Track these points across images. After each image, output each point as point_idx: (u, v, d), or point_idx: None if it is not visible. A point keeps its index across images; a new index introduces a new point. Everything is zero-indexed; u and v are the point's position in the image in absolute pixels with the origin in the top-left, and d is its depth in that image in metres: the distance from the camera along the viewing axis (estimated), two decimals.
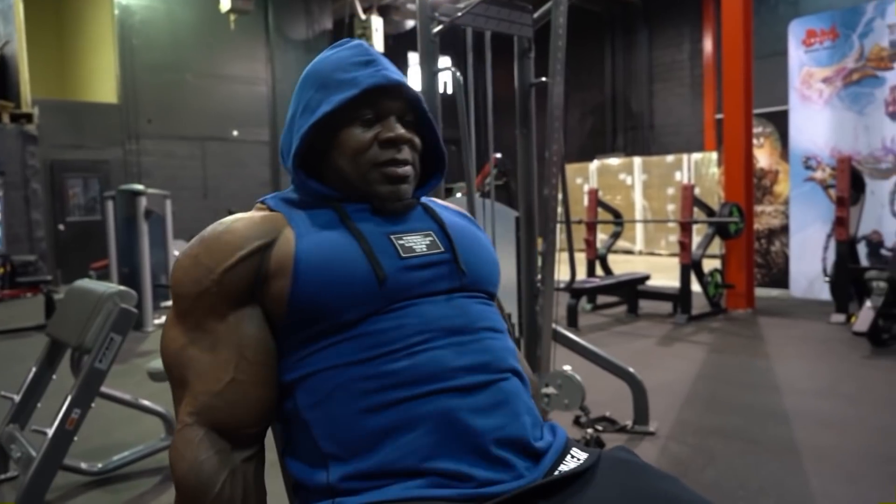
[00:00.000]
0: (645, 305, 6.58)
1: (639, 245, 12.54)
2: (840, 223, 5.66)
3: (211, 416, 0.91)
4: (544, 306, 3.02)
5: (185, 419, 0.92)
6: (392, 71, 1.05)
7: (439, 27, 2.79)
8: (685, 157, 12.01)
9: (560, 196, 3.06)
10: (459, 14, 2.76)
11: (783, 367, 4.35)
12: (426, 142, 1.11)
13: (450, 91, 3.00)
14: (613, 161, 13.25)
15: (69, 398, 2.50)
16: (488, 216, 3.10)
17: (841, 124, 6.43)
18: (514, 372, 1.00)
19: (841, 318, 5.59)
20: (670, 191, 12.00)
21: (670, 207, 11.93)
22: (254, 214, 1.01)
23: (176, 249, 7.18)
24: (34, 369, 2.86)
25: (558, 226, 3.05)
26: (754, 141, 6.89)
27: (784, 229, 7.17)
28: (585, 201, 7.64)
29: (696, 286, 6.13)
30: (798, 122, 6.75)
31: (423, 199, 1.12)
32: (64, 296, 2.94)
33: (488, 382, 0.94)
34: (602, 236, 8.97)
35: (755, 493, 2.51)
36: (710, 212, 6.56)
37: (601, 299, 6.97)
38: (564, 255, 3.13)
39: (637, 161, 12.71)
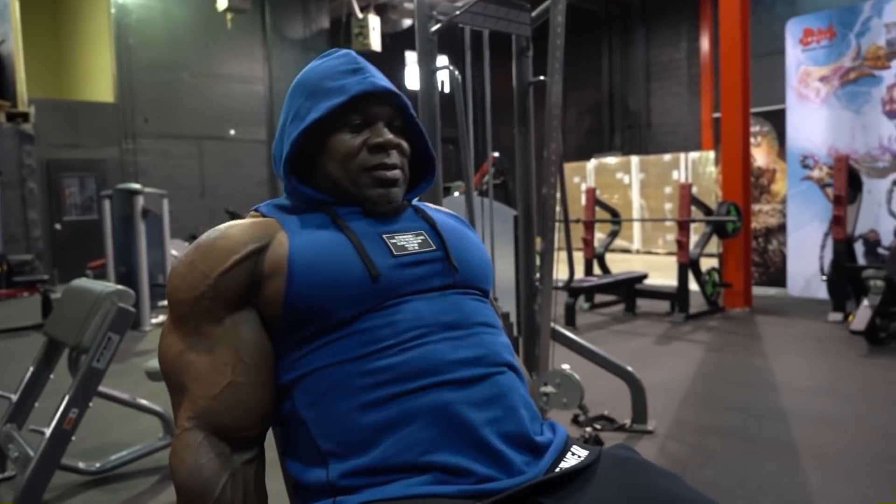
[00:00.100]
0: (642, 304, 6.59)
1: (636, 244, 12.56)
2: (837, 222, 5.67)
3: (210, 419, 0.92)
4: (543, 305, 3.02)
5: (184, 424, 0.92)
6: (379, 78, 1.07)
7: (437, 26, 2.79)
8: (682, 156, 12.03)
9: (558, 195, 3.06)
10: (458, 13, 2.75)
11: (781, 365, 4.35)
12: (415, 147, 1.12)
13: (447, 90, 3.00)
14: (611, 160, 13.26)
15: (67, 397, 2.49)
16: (486, 215, 3.10)
17: (838, 123, 6.43)
18: (510, 366, 1.01)
19: (838, 316, 5.60)
20: (668, 190, 12.01)
21: (668, 206, 11.94)
22: (248, 221, 1.02)
23: (173, 249, 7.18)
24: (32, 369, 2.86)
25: (557, 225, 3.05)
26: (752, 140, 6.90)
27: (781, 228, 7.18)
28: (583, 200, 7.65)
29: (693, 285, 6.13)
30: (795, 121, 6.76)
31: (414, 203, 1.14)
32: (61, 295, 2.93)
33: (484, 376, 0.95)
34: (599, 235, 8.96)
35: (753, 492, 2.51)
36: (707, 211, 6.56)
37: (599, 298, 6.97)
38: (562, 254, 3.14)
39: (634, 160, 12.72)
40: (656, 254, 12.08)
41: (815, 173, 6.61)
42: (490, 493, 0.86)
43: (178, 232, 10.05)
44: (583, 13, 15.20)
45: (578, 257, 3.98)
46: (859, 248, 6.14)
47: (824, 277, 6.13)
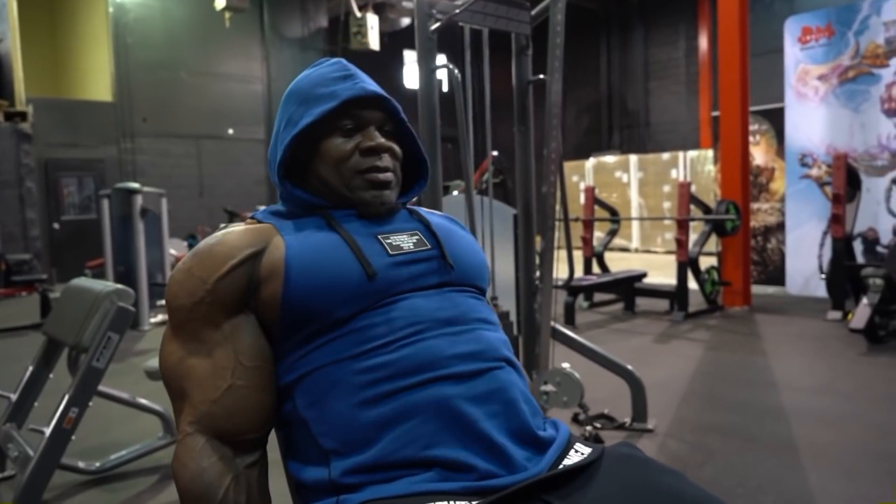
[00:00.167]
0: (642, 303, 6.59)
1: (635, 243, 12.56)
2: (836, 220, 5.68)
3: (211, 423, 0.92)
4: (543, 304, 3.02)
5: (186, 429, 0.93)
6: (370, 84, 1.09)
7: (437, 24, 2.78)
8: (681, 154, 12.03)
9: (558, 194, 3.06)
10: (457, 11, 2.75)
11: (780, 364, 4.36)
12: (406, 151, 1.14)
13: (445, 89, 3.00)
14: (609, 159, 13.26)
15: (67, 397, 2.49)
16: (486, 214, 3.09)
17: (837, 121, 6.44)
18: (509, 362, 1.01)
19: (837, 315, 5.60)
20: (666, 188, 12.02)
21: (666, 205, 11.95)
22: (244, 227, 1.03)
23: (172, 248, 7.17)
24: (31, 368, 2.85)
25: (556, 223, 3.05)
26: (750, 138, 6.90)
27: (780, 226, 7.19)
28: (582, 199, 7.64)
29: (692, 284, 6.14)
30: (794, 120, 6.76)
31: (408, 206, 1.16)
32: (61, 294, 2.92)
33: (482, 370, 0.95)
34: (598, 234, 8.96)
35: (754, 491, 2.52)
36: (706, 209, 6.57)
37: (598, 297, 6.97)
38: (561, 253, 3.13)
39: (633, 159, 12.72)
40: (655, 252, 12.08)
41: (814, 172, 6.61)
42: (493, 490, 0.86)
43: (176, 231, 10.05)
44: (581, 12, 15.19)
45: (577, 256, 3.98)
46: (858, 246, 6.15)
47: (823, 276, 6.14)
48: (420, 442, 0.88)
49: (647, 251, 12.29)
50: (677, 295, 6.08)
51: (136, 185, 6.58)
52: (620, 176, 12.76)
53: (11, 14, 9.52)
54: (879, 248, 6.14)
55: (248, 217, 1.11)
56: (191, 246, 10.55)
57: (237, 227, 1.03)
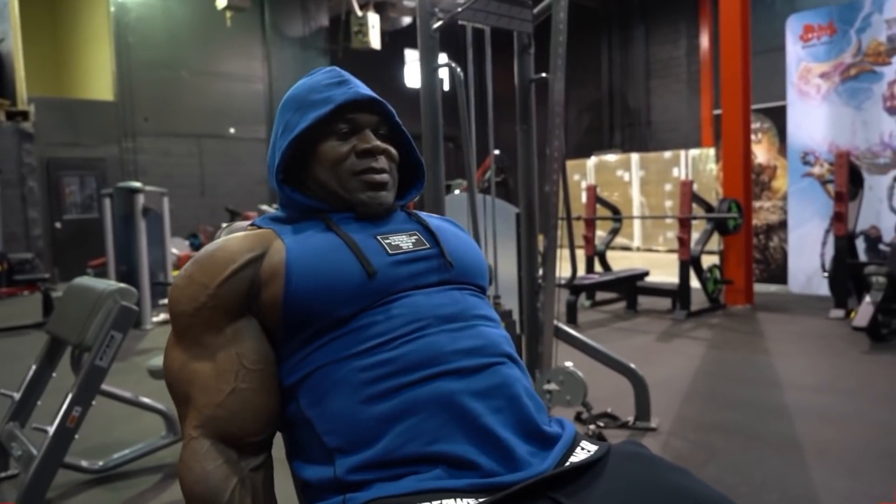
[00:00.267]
0: (644, 302, 6.59)
1: (636, 241, 12.56)
2: (838, 218, 5.67)
3: (215, 426, 0.93)
4: (546, 303, 3.02)
5: (191, 433, 0.93)
6: (364, 88, 1.10)
7: (439, 23, 2.78)
8: (682, 153, 12.02)
9: (561, 193, 3.06)
10: (459, 9, 2.75)
11: (783, 362, 4.35)
12: (402, 155, 1.15)
13: (446, 88, 2.99)
14: (611, 158, 13.25)
15: (70, 396, 2.49)
16: (489, 212, 3.09)
17: (839, 119, 6.43)
18: (511, 358, 1.02)
19: (840, 313, 5.60)
20: (668, 187, 12.01)
21: (668, 204, 11.94)
22: (245, 233, 1.05)
23: (174, 247, 7.17)
24: (34, 367, 2.85)
25: (559, 222, 3.05)
26: (752, 136, 6.89)
27: (782, 225, 7.18)
28: (583, 198, 7.64)
29: (694, 282, 6.13)
30: (796, 118, 6.76)
31: (406, 210, 1.17)
32: (63, 293, 2.92)
33: (485, 365, 0.96)
34: (600, 233, 8.96)
35: (758, 489, 2.51)
36: (708, 208, 6.56)
37: (600, 296, 6.97)
38: (564, 252, 3.13)
39: (634, 157, 12.71)
40: (656, 251, 12.08)
41: (816, 170, 6.61)
42: (500, 487, 0.85)
43: (178, 230, 10.06)
44: (582, 10, 15.19)
45: (579, 255, 3.98)
46: (860, 244, 6.14)
47: (825, 274, 6.13)
48: (424, 437, 0.88)
49: (649, 250, 12.28)
50: (679, 293, 6.07)
51: (137, 185, 6.59)
52: (622, 175, 12.75)
53: (13, 13, 9.53)
54: (882, 246, 6.13)
55: (249, 225, 1.12)
56: (192, 245, 10.56)
57: (238, 234, 1.04)
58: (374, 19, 12.69)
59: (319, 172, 1.06)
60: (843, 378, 3.95)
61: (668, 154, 12.30)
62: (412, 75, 16.09)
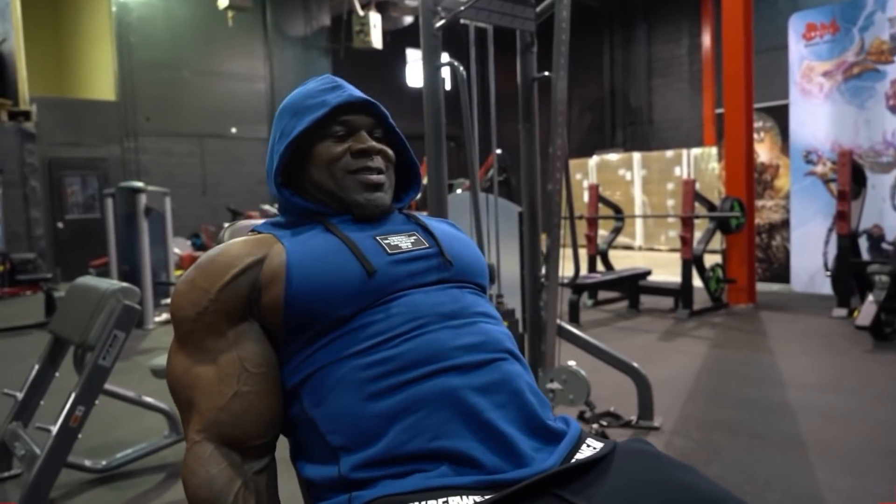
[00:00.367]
0: (646, 301, 6.58)
1: (638, 240, 12.55)
2: (841, 217, 5.66)
3: (218, 430, 0.93)
4: (549, 302, 3.01)
5: (194, 437, 0.94)
6: (358, 92, 1.12)
7: (442, 21, 2.78)
8: (684, 152, 12.01)
9: (564, 192, 3.06)
10: (462, 8, 2.74)
11: (786, 361, 4.35)
12: (397, 157, 1.16)
13: (448, 87, 2.99)
14: (613, 156, 13.24)
15: (73, 395, 2.49)
16: (491, 211, 3.09)
17: (841, 118, 6.42)
18: (513, 354, 1.02)
19: (843, 312, 5.59)
20: (670, 186, 12.00)
21: (670, 203, 11.92)
22: (245, 238, 1.06)
23: (176, 247, 7.17)
24: (37, 367, 2.85)
25: (563, 221, 3.05)
26: (755, 135, 6.88)
27: (785, 224, 7.17)
28: (585, 197, 7.63)
29: (697, 281, 6.13)
30: (798, 117, 6.74)
31: (404, 212, 1.18)
32: (66, 293, 2.92)
33: (487, 361, 0.96)
34: (602, 232, 8.95)
35: (762, 487, 2.51)
36: (710, 207, 6.55)
37: (602, 295, 6.97)
38: (566, 251, 3.13)
39: (636, 156, 12.70)
40: (658, 250, 12.07)
41: (819, 169, 6.59)
42: (505, 484, 0.85)
43: (180, 230, 10.07)
44: (584, 10, 15.17)
45: (581, 254, 3.98)
46: (863, 243, 6.12)
47: (828, 273, 6.12)
48: (428, 433, 0.89)
49: (651, 249, 12.27)
50: (682, 292, 6.07)
51: (139, 184, 6.59)
52: (624, 174, 12.73)
53: (15, 13, 9.55)
54: (885, 245, 6.12)
55: (250, 231, 1.13)
56: (194, 245, 10.57)
57: (239, 239, 1.05)
58: (375, 19, 12.69)
59: (316, 174, 1.07)
60: (846, 377, 3.94)
61: (670, 153, 12.28)
62: (414, 75, 16.08)
